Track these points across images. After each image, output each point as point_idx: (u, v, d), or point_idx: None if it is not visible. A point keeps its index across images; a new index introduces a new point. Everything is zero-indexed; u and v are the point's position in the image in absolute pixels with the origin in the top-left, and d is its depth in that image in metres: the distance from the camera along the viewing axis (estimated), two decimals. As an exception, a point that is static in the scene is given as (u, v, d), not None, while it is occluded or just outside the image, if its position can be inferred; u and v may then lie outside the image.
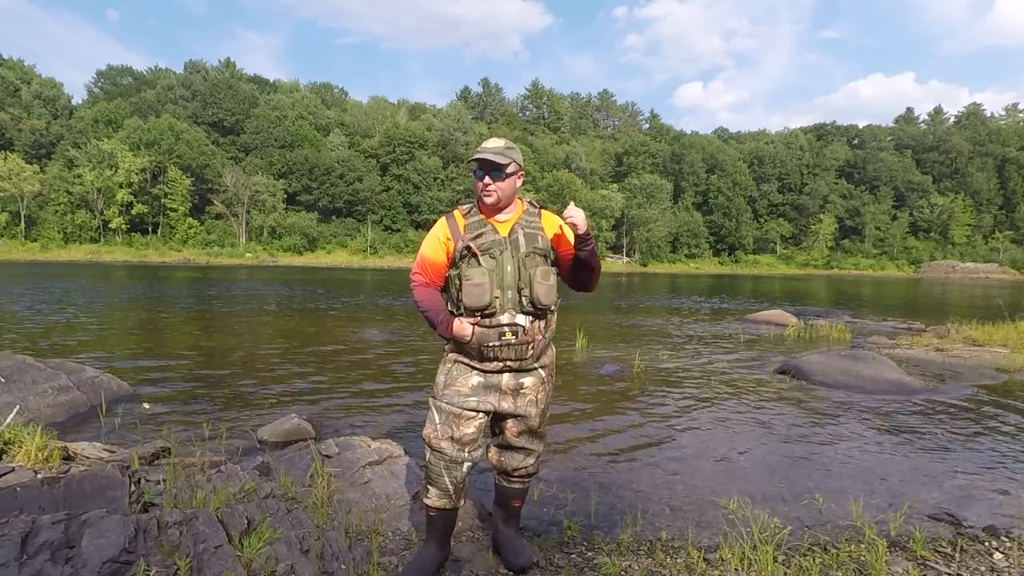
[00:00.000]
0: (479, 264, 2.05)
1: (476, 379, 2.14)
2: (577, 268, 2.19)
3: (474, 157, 2.10)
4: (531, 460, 2.31)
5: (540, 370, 2.21)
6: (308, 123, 70.62)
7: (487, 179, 2.09)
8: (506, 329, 2.05)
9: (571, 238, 2.14)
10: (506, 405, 2.16)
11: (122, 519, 2.09)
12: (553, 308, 2.15)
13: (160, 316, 11.60)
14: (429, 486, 2.18)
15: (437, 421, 2.15)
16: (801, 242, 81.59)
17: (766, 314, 13.23)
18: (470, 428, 2.13)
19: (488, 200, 2.11)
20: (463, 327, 2.07)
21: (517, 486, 2.35)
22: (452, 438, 2.12)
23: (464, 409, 2.12)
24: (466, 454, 2.13)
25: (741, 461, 3.82)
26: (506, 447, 2.29)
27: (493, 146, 2.12)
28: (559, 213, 2.21)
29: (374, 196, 67.43)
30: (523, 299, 2.06)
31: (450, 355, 2.21)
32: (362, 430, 4.22)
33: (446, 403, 2.14)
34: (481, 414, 2.15)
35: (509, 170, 2.10)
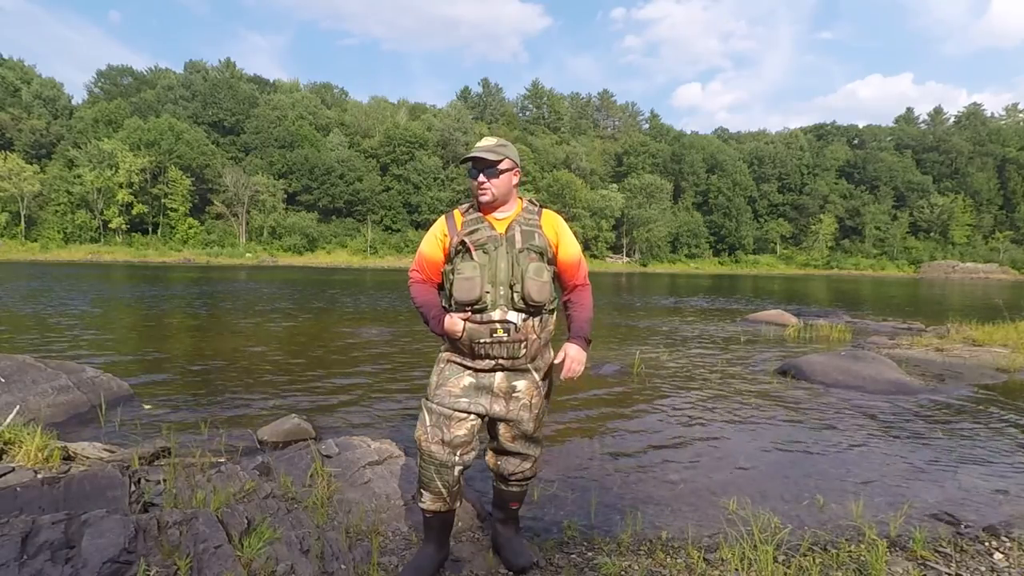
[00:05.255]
0: (472, 258, 2.06)
1: (468, 380, 2.12)
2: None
3: (467, 157, 2.12)
4: (527, 464, 2.29)
5: (535, 373, 2.18)
6: (308, 123, 70.64)
7: (481, 177, 2.10)
8: (497, 326, 2.03)
9: (568, 261, 2.21)
10: (498, 408, 2.13)
11: (122, 519, 2.09)
12: (549, 307, 2.13)
13: (160, 316, 11.60)
14: (423, 490, 2.16)
15: (428, 423, 2.12)
16: (801, 242, 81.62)
17: (766, 314, 13.23)
18: (461, 430, 2.10)
19: (484, 198, 2.12)
20: (454, 322, 2.06)
21: (515, 489, 2.34)
22: (443, 441, 2.09)
23: (455, 410, 2.10)
24: (457, 458, 2.10)
25: (741, 461, 3.81)
26: (502, 452, 2.28)
27: (485, 144, 2.14)
28: (562, 212, 2.23)
29: (374, 196, 67.45)
30: (515, 295, 2.04)
31: (444, 355, 2.20)
32: (362, 430, 4.22)
33: (437, 404, 2.12)
34: (473, 416, 2.12)
35: (502, 166, 2.11)
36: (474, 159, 2.10)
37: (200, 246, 58.89)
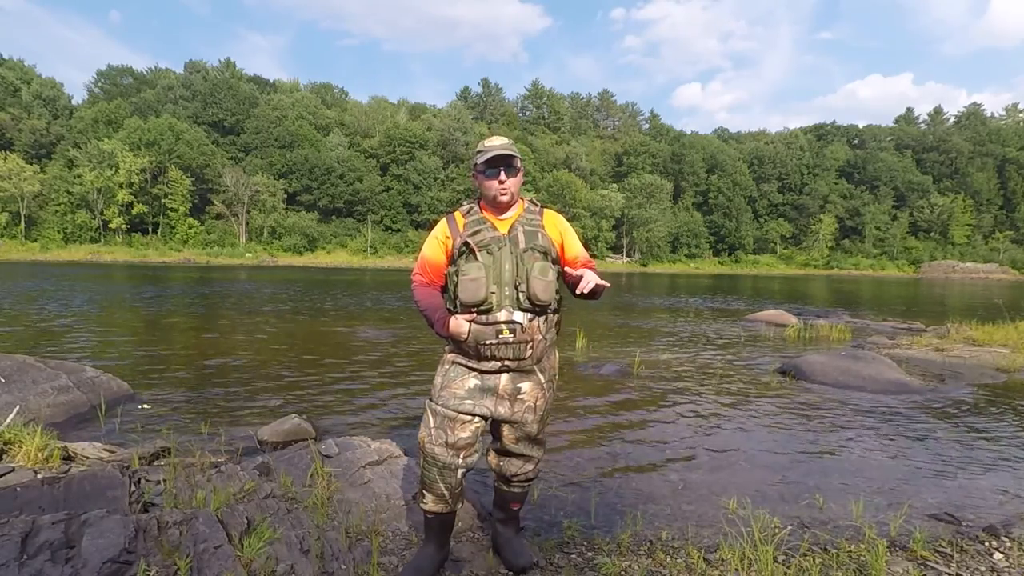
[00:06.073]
0: (476, 259, 2.04)
1: (473, 382, 2.11)
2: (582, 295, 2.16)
3: (491, 155, 2.07)
4: (530, 466, 2.28)
5: (540, 374, 2.17)
6: (308, 123, 70.62)
7: (503, 175, 2.08)
8: (503, 326, 2.01)
9: (574, 259, 2.19)
10: (503, 410, 2.12)
11: (122, 519, 2.09)
12: (554, 307, 2.12)
13: (160, 316, 11.60)
14: (425, 491, 2.14)
15: (432, 424, 2.11)
16: (801, 242, 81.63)
17: (766, 314, 13.23)
18: (465, 432, 2.09)
19: (505, 198, 2.11)
20: (459, 324, 2.04)
21: (516, 490, 2.33)
22: (447, 443, 2.07)
23: (459, 412, 2.08)
24: (460, 460, 2.09)
25: (741, 461, 3.81)
26: (504, 453, 2.27)
27: (501, 142, 2.11)
28: (562, 212, 2.22)
29: (374, 196, 67.45)
30: (520, 295, 2.03)
31: (448, 356, 2.18)
32: (362, 430, 4.22)
33: (441, 405, 2.10)
34: (477, 418, 2.11)
35: (518, 165, 2.12)
36: (497, 157, 2.07)
37: (200, 246, 58.89)
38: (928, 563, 2.40)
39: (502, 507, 2.38)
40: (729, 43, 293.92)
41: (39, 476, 2.67)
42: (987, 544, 2.60)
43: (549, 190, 67.43)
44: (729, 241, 79.94)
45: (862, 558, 2.41)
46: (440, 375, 2.17)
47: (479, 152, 2.12)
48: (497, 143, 2.11)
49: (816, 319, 12.51)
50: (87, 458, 3.13)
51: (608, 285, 2.04)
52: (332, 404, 5.10)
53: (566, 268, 2.18)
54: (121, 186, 55.64)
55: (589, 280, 2.00)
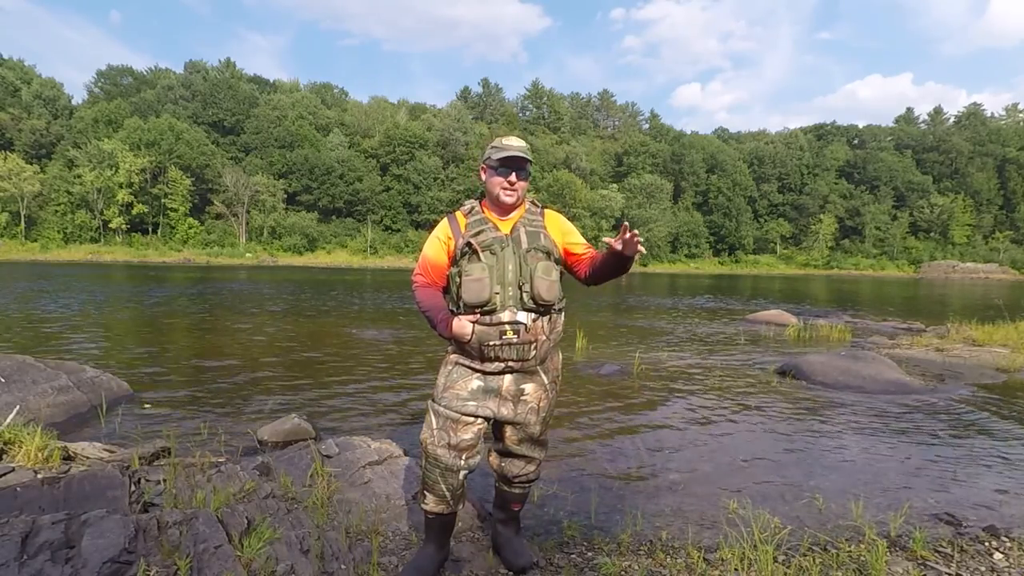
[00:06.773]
0: (479, 260, 2.03)
1: (476, 383, 2.10)
2: (607, 269, 2.12)
3: (508, 155, 2.07)
4: (532, 467, 2.28)
5: (543, 375, 2.17)
6: (308, 123, 70.60)
7: (513, 176, 2.08)
8: (507, 327, 2.01)
9: (580, 254, 2.20)
10: (506, 411, 2.12)
11: (122, 519, 2.09)
12: (557, 307, 2.12)
13: (160, 316, 11.59)
14: (426, 492, 2.14)
15: (434, 426, 2.11)
16: (801, 242, 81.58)
17: (766, 314, 13.23)
18: (468, 434, 2.08)
19: (510, 200, 2.11)
20: (463, 325, 2.03)
21: (517, 491, 2.33)
22: (449, 444, 2.07)
23: (462, 414, 2.07)
24: (462, 461, 2.09)
25: (741, 461, 3.82)
26: (506, 454, 2.27)
27: (519, 144, 2.11)
28: (562, 212, 2.22)
29: (374, 196, 67.45)
30: (524, 295, 2.02)
31: (451, 357, 2.17)
32: (362, 430, 4.22)
33: (444, 407, 2.09)
34: (480, 419, 2.11)
35: (529, 169, 2.13)
36: (512, 158, 2.07)
37: (200, 246, 58.86)
38: (928, 563, 2.40)
39: (503, 508, 2.38)
40: (729, 43, 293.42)
41: (39, 476, 2.67)
42: (987, 544, 2.60)
43: (549, 190, 67.41)
44: (729, 241, 79.89)
45: (862, 558, 2.41)
46: (443, 376, 2.16)
47: (495, 148, 2.12)
48: (515, 144, 2.11)
49: (816, 319, 12.51)
50: (87, 458, 3.13)
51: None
52: (332, 404, 5.10)
53: (587, 252, 2.20)
54: (121, 186, 55.60)
55: (630, 231, 1.98)
